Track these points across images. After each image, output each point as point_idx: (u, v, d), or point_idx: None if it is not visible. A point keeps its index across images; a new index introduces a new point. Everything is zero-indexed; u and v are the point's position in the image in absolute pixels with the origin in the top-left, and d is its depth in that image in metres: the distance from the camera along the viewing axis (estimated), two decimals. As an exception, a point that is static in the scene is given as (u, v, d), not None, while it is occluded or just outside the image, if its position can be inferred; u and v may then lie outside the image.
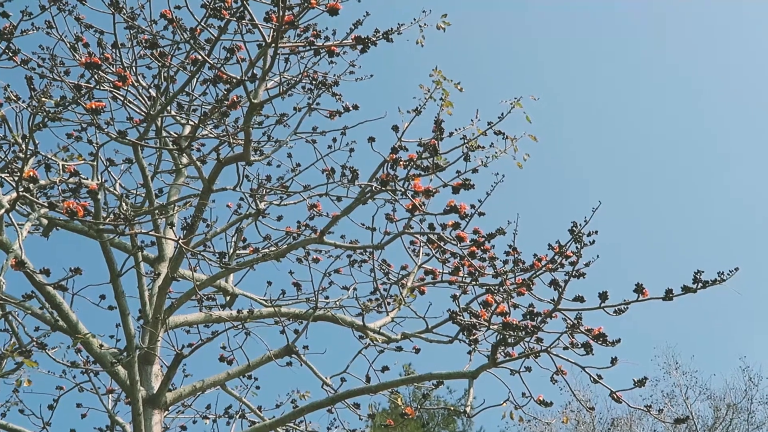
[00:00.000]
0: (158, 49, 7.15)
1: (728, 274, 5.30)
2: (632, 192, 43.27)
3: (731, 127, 45.18)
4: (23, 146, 5.48)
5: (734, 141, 45.18)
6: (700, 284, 5.30)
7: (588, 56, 44.76)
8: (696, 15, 44.73)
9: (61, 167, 5.84)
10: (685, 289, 5.33)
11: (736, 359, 38.76)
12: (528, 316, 5.80)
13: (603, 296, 5.51)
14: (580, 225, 5.98)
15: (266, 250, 8.17)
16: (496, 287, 6.58)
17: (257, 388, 9.05)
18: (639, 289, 5.42)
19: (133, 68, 7.40)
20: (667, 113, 44.74)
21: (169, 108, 8.00)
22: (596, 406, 26.70)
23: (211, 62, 6.48)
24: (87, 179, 6.76)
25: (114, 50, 7.17)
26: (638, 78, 45.45)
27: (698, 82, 45.57)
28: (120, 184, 8.81)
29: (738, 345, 45.56)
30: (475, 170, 6.77)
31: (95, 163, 7.06)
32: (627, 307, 5.52)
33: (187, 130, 8.95)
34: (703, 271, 5.30)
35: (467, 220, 6.58)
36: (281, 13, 5.82)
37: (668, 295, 5.38)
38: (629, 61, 45.27)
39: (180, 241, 5.83)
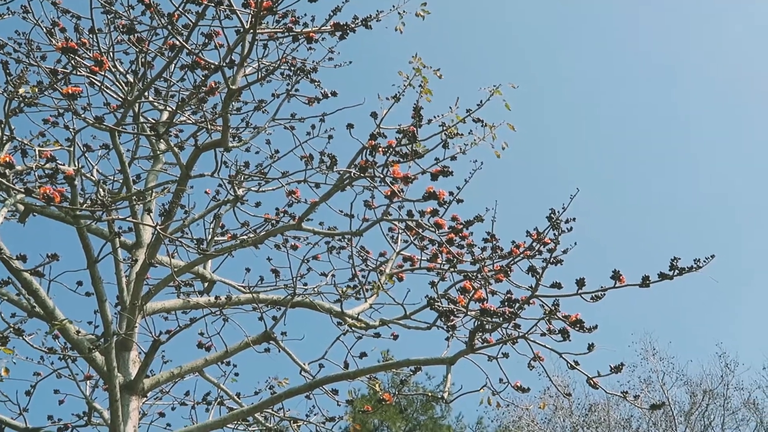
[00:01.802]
0: (136, 35, 7.12)
1: (704, 261, 5.34)
2: (609, 179, 43.48)
3: (704, 113, 45.50)
4: (-1, 131, 5.45)
5: (707, 129, 45.46)
6: (677, 271, 5.34)
7: (565, 43, 44.87)
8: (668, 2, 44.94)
9: (37, 153, 5.80)
10: (662, 276, 5.37)
11: (713, 345, 39.03)
12: (506, 303, 5.82)
13: (580, 283, 5.54)
14: (558, 212, 6.00)
15: (244, 237, 8.15)
16: (474, 274, 6.59)
17: (236, 374, 9.04)
18: (616, 275, 5.45)
19: (111, 54, 7.37)
20: (641, 100, 44.98)
21: (146, 94, 7.97)
22: (574, 392, 26.87)
23: (189, 48, 6.46)
24: (64, 165, 6.72)
25: (91, 35, 7.15)
26: (613, 65, 45.66)
27: (671, 68, 45.80)
28: (97, 170, 8.78)
29: (715, 331, 46.02)
30: (453, 157, 6.78)
31: (72, 149, 7.03)
32: (604, 294, 5.55)
33: (165, 116, 8.90)
34: (679, 258, 5.34)
35: (446, 207, 6.59)
36: (260, -1, 5.80)
37: (645, 282, 5.42)
38: (604, 47, 45.50)
39: (158, 228, 5.83)
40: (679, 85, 46.02)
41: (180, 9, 6.41)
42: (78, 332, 6.98)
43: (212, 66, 6.51)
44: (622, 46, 45.95)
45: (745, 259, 40.85)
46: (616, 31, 45.43)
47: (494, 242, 7.01)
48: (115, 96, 7.50)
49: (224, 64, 6.27)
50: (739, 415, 26.90)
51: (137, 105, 7.15)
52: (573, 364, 5.82)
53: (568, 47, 44.95)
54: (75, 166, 6.74)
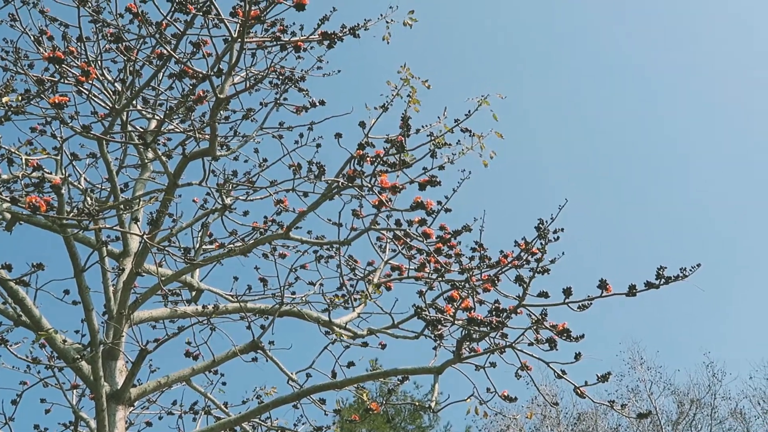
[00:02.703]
0: (124, 43, 7.11)
1: (690, 271, 5.35)
2: (596, 189, 43.64)
3: (688, 125, 45.70)
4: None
5: (692, 135, 45.65)
6: (663, 280, 5.35)
7: (551, 51, 45.03)
8: (652, 7, 45.18)
9: (24, 161, 5.78)
10: (648, 285, 5.38)
11: (701, 355, 39.18)
12: (493, 312, 5.83)
13: (567, 292, 5.55)
14: (547, 222, 6.01)
15: (232, 246, 8.15)
16: (462, 283, 6.60)
17: (223, 384, 9.02)
18: (602, 284, 5.46)
19: (98, 62, 7.35)
20: (625, 107, 45.20)
21: (134, 102, 7.96)
22: (562, 401, 26.94)
23: (177, 57, 6.45)
24: (50, 173, 6.71)
25: (79, 44, 7.13)
26: (596, 71, 45.85)
27: (653, 75, 46.05)
28: (85, 179, 8.74)
29: (702, 341, 46.14)
30: (441, 167, 6.79)
31: (59, 158, 7.00)
32: (591, 303, 5.56)
33: (153, 124, 8.90)
34: (665, 267, 5.35)
35: (434, 216, 6.60)
36: (247, 8, 5.80)
37: (631, 291, 5.43)
38: (591, 56, 45.68)
39: (145, 236, 5.81)
40: (659, 90, 46.31)
41: (168, 18, 6.40)
42: (64, 341, 6.95)
43: (200, 75, 6.51)
44: (608, 53, 46.15)
45: (732, 268, 41.03)
46: (602, 38, 45.67)
47: (482, 252, 7.02)
48: (102, 104, 7.49)
49: (212, 73, 6.26)
50: (726, 425, 27.00)
51: (125, 114, 7.14)
52: (560, 373, 5.83)
53: (556, 54, 45.12)
54: (62, 174, 6.72)
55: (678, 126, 45.68)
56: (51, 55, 5.67)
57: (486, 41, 42.59)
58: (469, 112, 7.06)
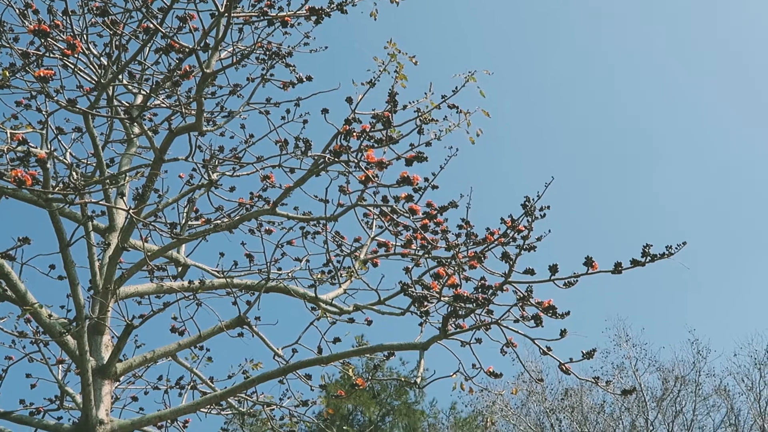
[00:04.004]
0: (110, 17, 7.06)
1: (676, 248, 5.38)
2: (584, 166, 43.70)
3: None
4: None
5: (681, 114, 45.75)
6: (649, 258, 5.38)
7: (536, 36, 44.98)
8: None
9: (9, 135, 5.76)
10: (634, 263, 5.41)
11: (686, 332, 39.46)
12: (479, 289, 5.85)
13: (553, 269, 5.57)
14: (533, 200, 6.02)
15: (218, 221, 8.13)
16: (449, 260, 6.61)
17: (209, 359, 9.02)
18: (588, 262, 5.49)
19: (84, 36, 7.31)
20: (614, 88, 45.21)
21: (120, 77, 7.92)
22: (548, 377, 27.07)
23: (164, 31, 6.41)
24: (36, 148, 6.67)
25: (64, 17, 7.07)
26: (588, 52, 45.86)
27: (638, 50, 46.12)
28: (70, 153, 8.71)
29: (687, 318, 46.44)
30: (428, 143, 6.79)
31: (45, 132, 6.97)
32: (577, 280, 5.59)
33: (139, 99, 8.86)
34: (651, 245, 5.39)
35: (420, 193, 6.59)
36: (235, -18, 5.77)
37: (617, 269, 5.46)
38: (577, 36, 45.70)
39: (131, 211, 5.79)
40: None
41: (154, -9, 6.36)
42: (50, 316, 6.94)
43: (187, 49, 6.47)
44: (592, 35, 46.14)
45: (718, 245, 41.24)
46: (587, 18, 45.67)
47: (468, 229, 7.02)
48: (88, 79, 7.44)
49: (199, 48, 6.23)
50: (710, 402, 27.20)
51: (111, 88, 7.10)
52: (545, 350, 5.86)
53: (540, 39, 45.06)
54: (47, 149, 6.69)
55: (652, 108, 45.81)
56: (36, 28, 5.63)
57: (473, 18, 42.46)
58: (456, 87, 7.05)
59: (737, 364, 32.85)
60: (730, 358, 39.49)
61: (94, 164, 8.30)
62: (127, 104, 8.84)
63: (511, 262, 5.81)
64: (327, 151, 6.75)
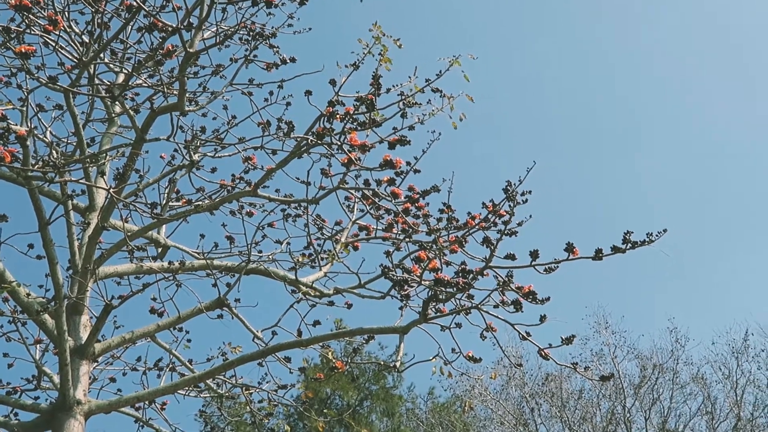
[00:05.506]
0: (92, -6, 6.99)
1: (656, 236, 5.39)
2: (565, 153, 43.83)
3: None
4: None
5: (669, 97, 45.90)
6: (629, 244, 5.39)
7: (519, 19, 44.97)
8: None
9: (-12, 112, 5.69)
10: (615, 249, 5.42)
11: (665, 320, 39.66)
12: (460, 273, 5.84)
13: (534, 255, 5.57)
14: (515, 184, 6.01)
15: (199, 202, 8.09)
16: (429, 244, 6.61)
17: (188, 341, 9.01)
18: (569, 248, 5.49)
19: (66, 13, 7.24)
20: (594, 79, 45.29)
21: (102, 55, 7.85)
22: (527, 363, 27.15)
23: (147, 9, 6.36)
24: (16, 125, 6.62)
25: (46, -7, 7.00)
26: (573, 40, 45.90)
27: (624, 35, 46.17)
28: (51, 132, 8.65)
29: (667, 306, 46.72)
30: (411, 127, 6.76)
31: (25, 109, 6.91)
32: (557, 266, 5.59)
33: (121, 78, 8.79)
34: (632, 232, 5.39)
35: (402, 176, 6.58)
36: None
37: (598, 255, 5.47)
38: (564, 23, 45.69)
39: (111, 191, 5.76)
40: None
41: (137, -31, 6.31)
42: (28, 295, 6.90)
43: (170, 28, 6.42)
44: (572, 18, 46.21)
45: (699, 233, 41.46)
46: (569, 4, 45.69)
47: (450, 213, 7.01)
48: (69, 56, 7.38)
49: (182, 27, 6.18)
50: (687, 390, 27.35)
51: (92, 66, 7.04)
52: (525, 335, 5.86)
53: (526, 25, 45.08)
54: (27, 126, 6.63)
55: (638, 90, 45.93)
56: (18, 3, 5.57)
57: (459, 3, 42.39)
58: (440, 71, 7.04)
59: (715, 352, 33.01)
60: (708, 346, 39.68)
61: (75, 143, 8.24)
62: (109, 83, 8.78)
63: (492, 247, 5.80)
64: (310, 133, 6.72)
